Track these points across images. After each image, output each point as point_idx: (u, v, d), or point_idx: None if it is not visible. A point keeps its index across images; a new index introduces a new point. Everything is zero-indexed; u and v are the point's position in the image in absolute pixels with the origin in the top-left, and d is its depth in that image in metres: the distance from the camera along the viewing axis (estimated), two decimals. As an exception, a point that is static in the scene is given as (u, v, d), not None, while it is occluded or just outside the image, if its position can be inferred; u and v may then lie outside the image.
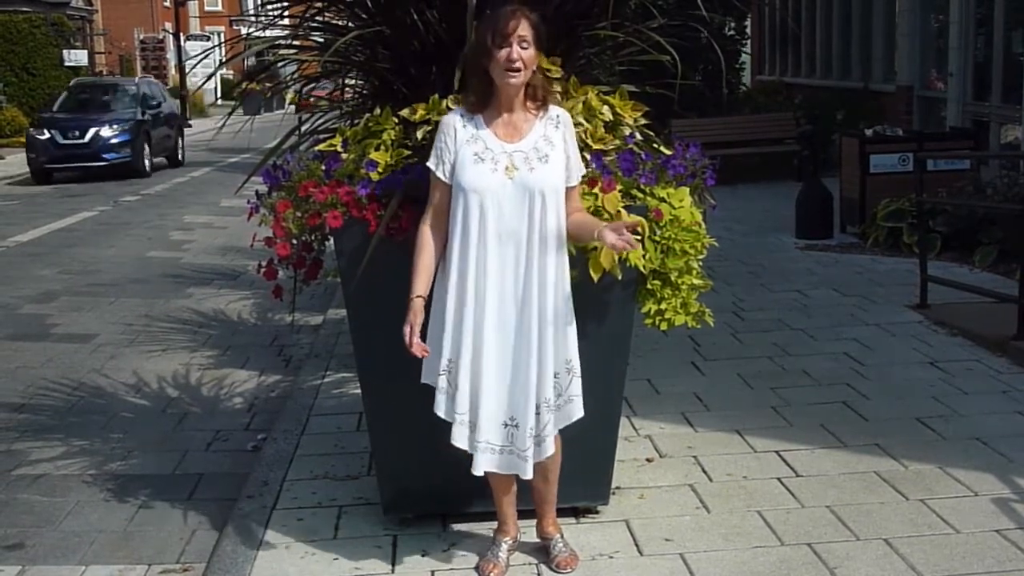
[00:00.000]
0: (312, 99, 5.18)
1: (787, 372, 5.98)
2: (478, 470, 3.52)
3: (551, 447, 3.55)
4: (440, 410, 3.51)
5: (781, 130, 14.91)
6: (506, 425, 3.50)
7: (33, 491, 4.93)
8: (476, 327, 3.45)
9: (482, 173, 3.42)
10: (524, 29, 3.37)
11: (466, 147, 3.46)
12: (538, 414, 3.48)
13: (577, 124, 3.75)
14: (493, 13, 3.47)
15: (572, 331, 3.55)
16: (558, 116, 3.54)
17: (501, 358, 3.48)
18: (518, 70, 3.37)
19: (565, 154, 3.50)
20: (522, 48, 3.36)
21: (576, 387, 3.57)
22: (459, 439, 3.49)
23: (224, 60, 5.06)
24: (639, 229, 3.58)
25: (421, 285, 3.49)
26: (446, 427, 3.72)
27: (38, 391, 6.50)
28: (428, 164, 3.52)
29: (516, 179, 3.42)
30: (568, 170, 3.51)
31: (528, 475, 3.54)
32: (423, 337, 3.50)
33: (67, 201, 16.26)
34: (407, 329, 3.45)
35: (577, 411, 3.59)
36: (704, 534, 3.98)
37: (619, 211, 3.70)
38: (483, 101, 3.50)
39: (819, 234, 10.02)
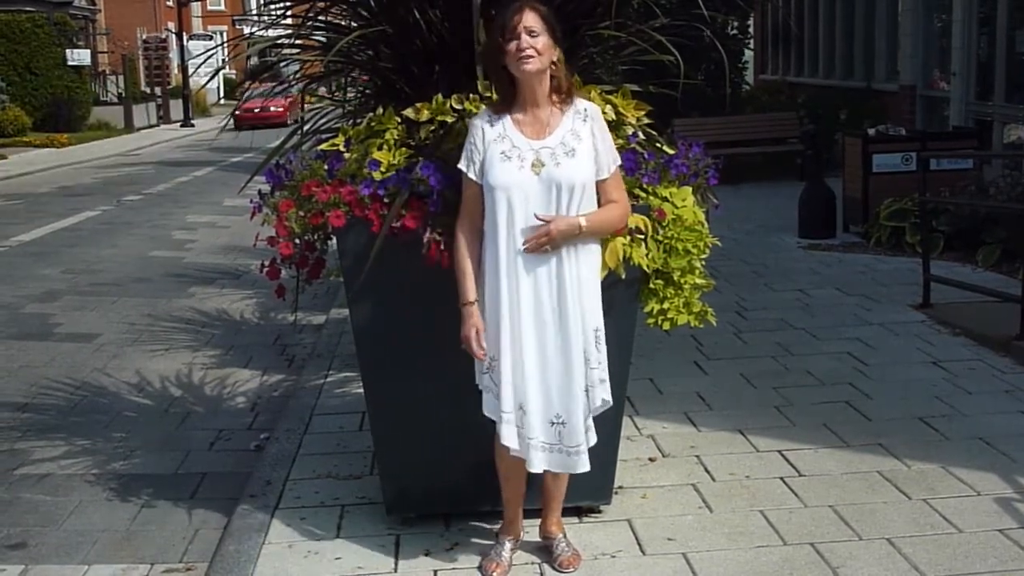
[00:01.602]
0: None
1: (790, 372, 5.98)
2: (534, 468, 3.53)
3: (594, 437, 3.58)
4: (488, 410, 3.53)
5: (784, 130, 14.91)
6: (552, 423, 3.51)
7: (36, 490, 4.93)
8: (513, 325, 3.46)
9: (508, 170, 3.44)
10: (530, 19, 3.39)
11: (493, 146, 3.47)
12: (586, 394, 3.51)
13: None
14: (500, 11, 3.49)
15: (598, 324, 3.55)
16: (586, 109, 3.54)
17: (541, 355, 3.49)
18: (530, 56, 3.38)
19: (594, 148, 3.50)
20: (531, 36, 3.38)
21: (593, 378, 3.55)
22: (508, 438, 3.49)
23: (227, 60, 5.07)
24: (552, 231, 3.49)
25: (470, 291, 3.51)
26: (449, 427, 3.73)
27: (41, 390, 6.50)
28: (459, 166, 3.54)
29: (542, 175, 3.44)
30: (597, 163, 3.51)
31: (585, 468, 3.55)
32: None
33: (69, 200, 16.27)
34: (472, 334, 3.48)
35: (597, 399, 3.57)
36: (707, 534, 3.98)
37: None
38: (507, 100, 3.52)
39: (822, 234, 10.02)
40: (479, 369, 3.58)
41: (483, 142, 3.49)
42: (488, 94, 3.75)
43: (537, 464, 3.53)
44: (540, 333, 3.48)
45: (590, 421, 3.56)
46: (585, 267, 3.52)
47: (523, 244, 3.42)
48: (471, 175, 3.52)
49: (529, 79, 3.44)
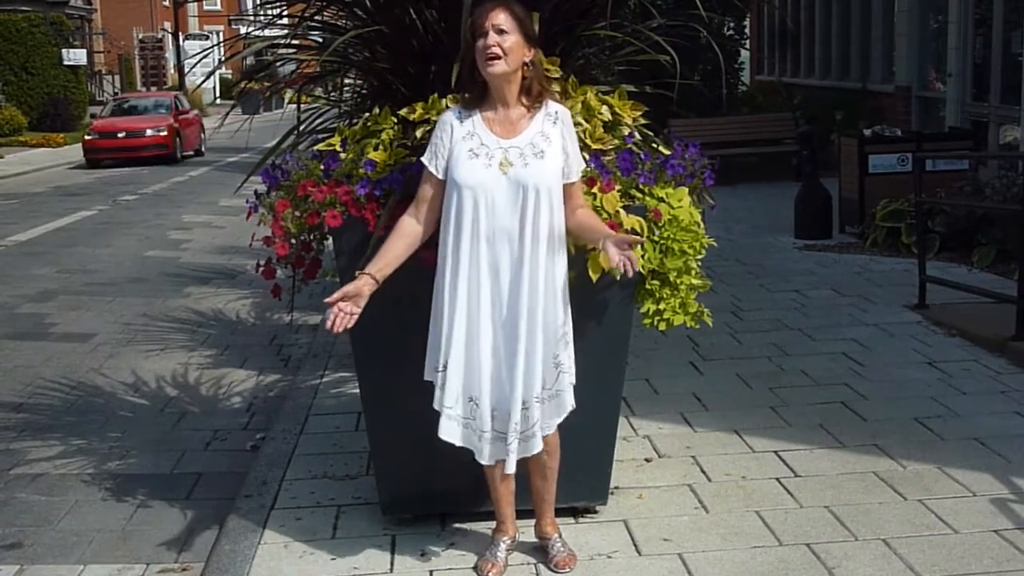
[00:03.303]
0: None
1: (786, 372, 5.98)
2: (484, 459, 3.54)
3: (539, 444, 3.53)
4: (436, 404, 3.53)
5: (780, 130, 14.92)
6: (495, 415, 3.51)
7: (31, 490, 4.92)
8: (471, 323, 3.45)
9: (476, 168, 3.43)
10: (499, 18, 3.37)
11: (461, 143, 3.46)
12: (526, 409, 3.47)
13: (576, 124, 3.74)
14: (475, 8, 3.48)
15: (563, 327, 3.53)
16: (556, 112, 3.53)
17: (495, 353, 3.48)
18: (495, 56, 3.36)
19: (563, 151, 3.49)
20: (499, 35, 3.36)
21: (564, 382, 3.54)
22: (445, 432, 3.50)
23: (223, 59, 5.06)
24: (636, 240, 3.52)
25: (375, 265, 3.48)
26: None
27: (36, 390, 6.49)
28: (422, 159, 3.53)
29: (510, 174, 3.42)
30: (567, 166, 3.50)
31: (511, 469, 3.53)
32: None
33: (66, 200, 16.26)
34: (337, 296, 3.43)
35: (565, 404, 3.56)
36: (702, 534, 3.98)
37: (617, 211, 3.70)
38: (479, 98, 3.51)
39: (818, 234, 10.03)
40: (431, 365, 3.57)
41: (450, 139, 3.48)
42: None
43: (487, 456, 3.53)
44: (496, 331, 3.47)
45: (537, 428, 3.51)
46: (553, 269, 3.49)
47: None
48: (432, 169, 3.50)
49: (495, 79, 3.43)
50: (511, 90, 3.47)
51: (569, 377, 3.56)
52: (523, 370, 3.45)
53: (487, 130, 3.47)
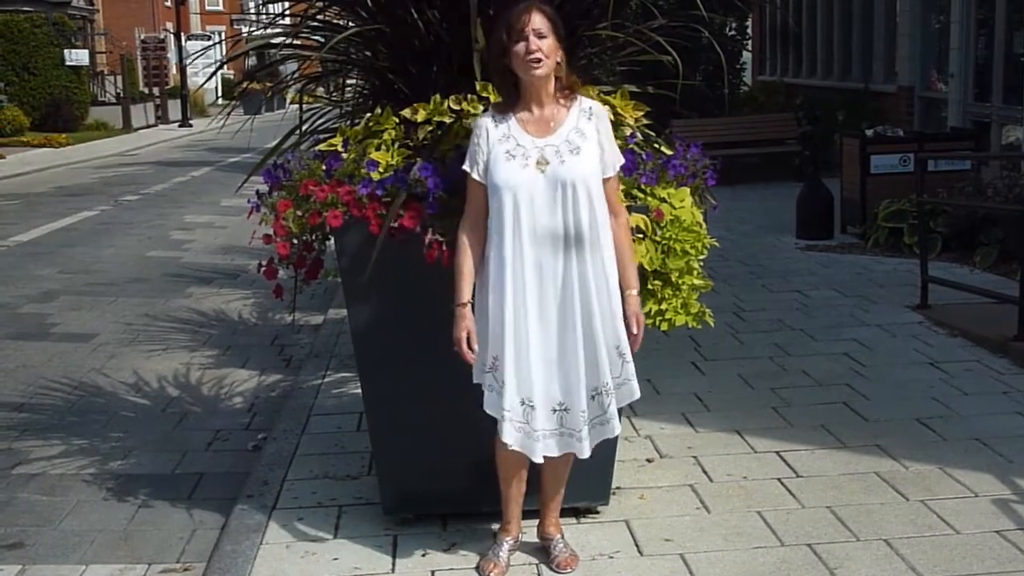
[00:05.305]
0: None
1: (787, 372, 5.98)
2: (536, 457, 3.54)
3: (617, 427, 3.58)
4: (489, 408, 3.53)
5: (782, 130, 14.92)
6: (555, 411, 3.52)
7: (33, 490, 4.92)
8: (517, 323, 3.46)
9: (513, 169, 3.44)
10: (537, 21, 3.40)
11: (498, 146, 3.47)
12: (599, 395, 3.52)
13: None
14: (507, 11, 3.49)
15: (620, 317, 3.56)
16: (591, 108, 3.55)
17: (546, 351, 3.49)
18: (538, 60, 3.39)
19: (599, 146, 3.51)
20: (539, 39, 3.38)
21: (629, 371, 3.60)
22: (508, 436, 3.49)
23: (224, 59, 5.06)
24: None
25: (466, 292, 3.51)
26: (447, 427, 3.73)
27: (38, 390, 6.49)
28: (464, 167, 3.54)
29: (547, 172, 3.44)
30: (603, 162, 3.52)
31: (585, 454, 3.56)
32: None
33: (67, 200, 16.25)
34: (463, 335, 3.49)
35: (633, 392, 3.63)
36: (704, 534, 3.98)
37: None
38: (511, 99, 3.53)
39: (820, 234, 10.03)
40: (479, 367, 3.58)
41: (487, 142, 3.49)
42: (485, 94, 3.75)
43: (539, 454, 3.53)
44: (544, 329, 3.48)
45: (613, 410, 3.55)
46: (603, 261, 3.50)
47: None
48: (475, 176, 3.51)
49: (536, 81, 3.45)
50: (547, 90, 3.49)
51: (632, 366, 3.58)
52: (585, 361, 3.47)
53: (522, 131, 3.49)
